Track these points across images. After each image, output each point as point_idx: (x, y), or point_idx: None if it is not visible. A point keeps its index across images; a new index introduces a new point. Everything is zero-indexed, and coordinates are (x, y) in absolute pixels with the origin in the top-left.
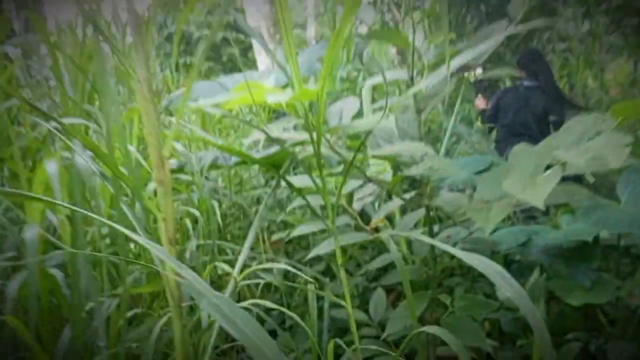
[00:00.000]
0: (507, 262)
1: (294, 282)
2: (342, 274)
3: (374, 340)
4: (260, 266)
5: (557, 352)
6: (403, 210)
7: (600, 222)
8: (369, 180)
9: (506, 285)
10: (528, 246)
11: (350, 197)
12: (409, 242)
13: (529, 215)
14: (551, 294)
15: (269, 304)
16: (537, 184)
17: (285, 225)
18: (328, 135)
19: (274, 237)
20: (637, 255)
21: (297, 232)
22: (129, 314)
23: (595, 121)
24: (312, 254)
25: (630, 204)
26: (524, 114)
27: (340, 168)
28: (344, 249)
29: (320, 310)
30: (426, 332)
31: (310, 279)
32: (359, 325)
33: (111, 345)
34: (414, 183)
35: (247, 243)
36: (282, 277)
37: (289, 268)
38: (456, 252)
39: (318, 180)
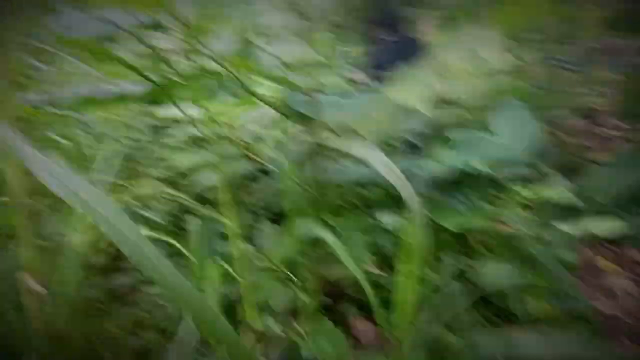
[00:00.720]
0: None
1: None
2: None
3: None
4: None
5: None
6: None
7: (475, 152)
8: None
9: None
10: (411, 180)
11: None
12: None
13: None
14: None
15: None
16: None
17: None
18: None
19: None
20: (507, 186)
21: (180, 161)
22: None
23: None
24: (198, 183)
25: (503, 136)
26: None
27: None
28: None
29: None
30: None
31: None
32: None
33: None
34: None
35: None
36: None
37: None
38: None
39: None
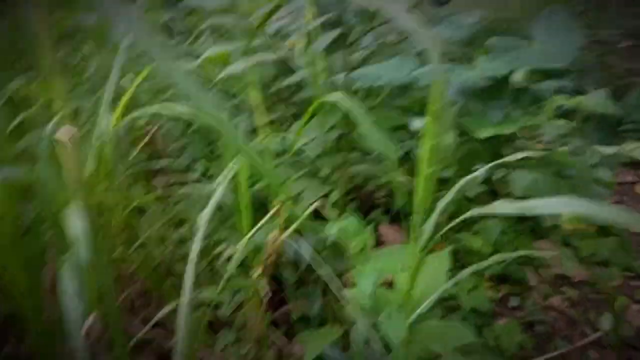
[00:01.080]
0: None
1: None
2: (257, 98)
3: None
4: None
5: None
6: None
7: (515, 59)
8: None
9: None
10: (445, 87)
11: (267, 17)
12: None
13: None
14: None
15: None
16: None
17: None
18: None
19: None
20: (545, 97)
21: (208, 52)
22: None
23: None
24: (227, 71)
25: (544, 43)
26: None
27: None
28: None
29: None
30: None
31: None
32: None
33: None
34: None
35: None
36: None
37: None
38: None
39: None
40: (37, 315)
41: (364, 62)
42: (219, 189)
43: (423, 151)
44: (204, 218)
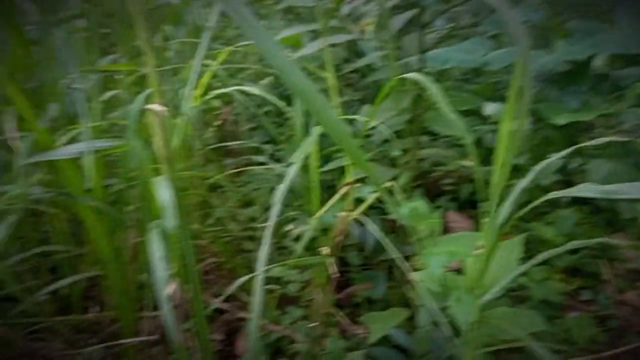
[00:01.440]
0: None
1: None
2: (330, 68)
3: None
4: None
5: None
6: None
7: (596, 44)
8: None
9: None
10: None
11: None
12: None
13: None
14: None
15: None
16: None
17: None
18: None
19: None
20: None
21: (283, 34)
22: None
23: None
24: (301, 53)
25: (627, 26)
26: None
27: None
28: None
29: None
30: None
31: None
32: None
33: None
34: None
35: None
36: None
37: None
38: None
39: None
40: (120, 280)
41: (437, 45)
42: (293, 167)
43: (501, 136)
44: (278, 195)
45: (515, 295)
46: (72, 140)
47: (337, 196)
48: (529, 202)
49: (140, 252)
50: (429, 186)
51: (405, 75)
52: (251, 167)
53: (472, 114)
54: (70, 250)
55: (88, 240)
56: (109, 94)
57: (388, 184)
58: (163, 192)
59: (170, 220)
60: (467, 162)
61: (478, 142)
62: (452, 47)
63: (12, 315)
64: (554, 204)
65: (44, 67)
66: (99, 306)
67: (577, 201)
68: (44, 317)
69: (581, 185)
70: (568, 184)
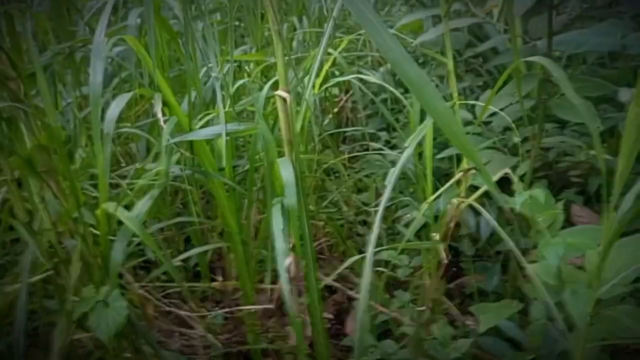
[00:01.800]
0: None
1: None
2: (449, 54)
3: None
4: None
5: None
6: None
7: None
8: None
9: None
10: None
11: None
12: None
13: None
14: None
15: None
16: None
17: None
18: None
19: None
20: None
21: (404, 20)
22: None
23: None
24: (421, 39)
25: None
26: None
27: None
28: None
29: None
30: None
31: None
32: None
33: None
34: None
35: None
36: None
37: None
38: None
39: None
40: (243, 253)
41: (568, 28)
42: (406, 152)
43: (628, 121)
44: (390, 179)
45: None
46: (207, 124)
47: (450, 182)
48: None
49: (262, 229)
50: (553, 178)
51: (527, 59)
52: (367, 153)
53: (607, 101)
54: (202, 222)
55: (217, 216)
56: (240, 82)
57: (506, 173)
58: (285, 171)
59: (291, 197)
60: (596, 152)
61: (611, 132)
62: (586, 30)
63: (149, 280)
64: None
65: (185, 57)
66: (223, 277)
67: None
68: (176, 284)
69: None
70: None
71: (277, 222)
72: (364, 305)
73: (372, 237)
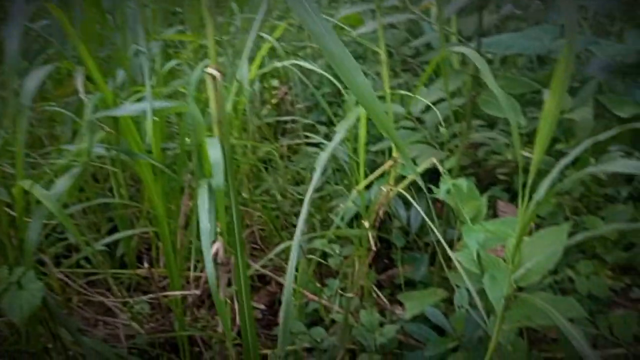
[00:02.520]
0: None
1: None
2: (383, 56)
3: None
4: None
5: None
6: None
7: None
8: None
9: None
10: (588, 62)
11: None
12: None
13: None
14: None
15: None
16: None
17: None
18: None
19: None
20: None
21: (343, 12)
22: None
23: None
24: (358, 31)
25: None
26: None
27: None
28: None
29: None
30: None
31: None
32: None
33: None
34: None
35: None
36: None
37: None
38: None
39: None
40: (171, 238)
41: (499, 29)
42: (337, 136)
43: (543, 114)
44: (319, 163)
45: (561, 288)
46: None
47: (379, 170)
48: (586, 196)
49: (192, 216)
50: (482, 175)
51: (452, 49)
52: (304, 142)
53: (535, 104)
54: (127, 205)
55: (144, 199)
56: (172, 62)
57: (434, 165)
58: (213, 150)
59: (218, 176)
60: (524, 152)
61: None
62: (517, 34)
63: (69, 265)
64: (611, 199)
65: (114, 34)
66: (150, 265)
67: (635, 198)
68: (99, 270)
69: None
70: (630, 180)
71: (202, 202)
72: (289, 289)
73: (300, 219)
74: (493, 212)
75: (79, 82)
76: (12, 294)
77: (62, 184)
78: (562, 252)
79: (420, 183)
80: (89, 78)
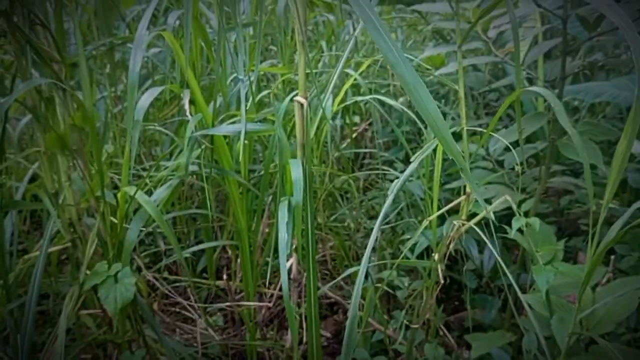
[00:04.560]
0: None
1: None
2: (462, 93)
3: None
4: None
5: None
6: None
7: None
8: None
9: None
10: None
11: (488, 24)
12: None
13: None
14: None
15: None
16: None
17: None
18: None
19: None
20: None
21: (426, 53)
22: None
23: None
24: (441, 71)
25: None
26: None
27: None
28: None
29: None
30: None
31: None
32: None
33: None
34: None
35: None
36: None
37: None
38: None
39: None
40: (250, 253)
41: (589, 78)
42: (410, 167)
43: (616, 154)
44: (391, 192)
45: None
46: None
47: (451, 204)
48: None
49: (270, 237)
50: (563, 224)
51: (527, 88)
52: (380, 172)
53: None
54: (214, 218)
55: (229, 215)
56: (263, 92)
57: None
58: (295, 170)
59: (298, 194)
60: (612, 204)
61: (624, 185)
62: (607, 82)
63: (159, 269)
64: None
65: (217, 63)
66: (228, 276)
67: None
68: (183, 277)
69: None
70: None
71: (282, 216)
72: (354, 311)
73: (370, 243)
74: (574, 263)
75: (186, 101)
76: (109, 286)
77: (161, 192)
78: None
79: (492, 220)
80: (191, 102)
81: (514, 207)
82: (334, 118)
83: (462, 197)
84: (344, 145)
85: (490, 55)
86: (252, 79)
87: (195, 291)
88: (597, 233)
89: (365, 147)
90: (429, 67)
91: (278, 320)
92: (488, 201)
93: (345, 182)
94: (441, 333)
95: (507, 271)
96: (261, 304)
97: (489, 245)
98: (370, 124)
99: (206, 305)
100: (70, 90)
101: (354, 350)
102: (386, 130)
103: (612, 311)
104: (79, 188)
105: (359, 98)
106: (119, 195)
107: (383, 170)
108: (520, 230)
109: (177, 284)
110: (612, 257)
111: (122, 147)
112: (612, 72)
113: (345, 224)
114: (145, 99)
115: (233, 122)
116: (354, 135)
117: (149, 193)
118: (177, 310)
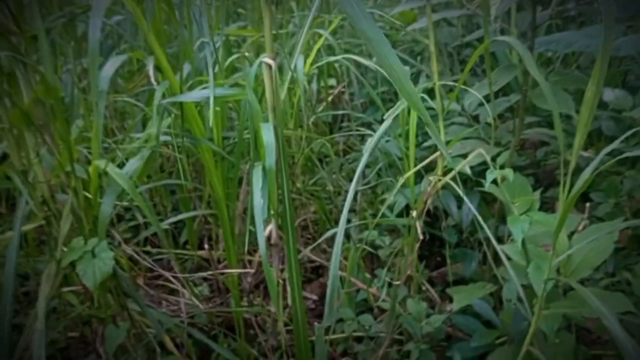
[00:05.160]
0: None
1: None
2: (432, 47)
3: None
4: None
5: None
6: None
7: None
8: None
9: None
10: None
11: None
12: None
13: None
14: None
15: None
16: None
17: None
18: None
19: None
20: None
21: (398, 9)
22: None
23: None
24: (412, 27)
25: None
26: None
27: None
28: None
29: None
30: None
31: None
32: None
33: None
34: None
35: None
36: None
37: None
38: None
39: None
40: (230, 221)
41: (562, 29)
42: (384, 125)
43: (585, 101)
44: (366, 150)
45: (617, 290)
46: None
47: (427, 160)
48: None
49: (250, 204)
50: (540, 176)
51: (496, 38)
52: (360, 144)
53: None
54: (192, 188)
55: (206, 184)
56: (233, 57)
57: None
58: (267, 134)
59: (271, 158)
60: (586, 153)
61: (599, 134)
62: (578, 32)
63: (138, 243)
64: None
65: (181, 26)
66: (210, 247)
67: None
68: (163, 249)
69: None
70: None
71: (256, 181)
72: (335, 271)
73: (347, 201)
74: (552, 213)
75: (151, 68)
76: (87, 262)
77: (133, 164)
78: (621, 255)
79: (469, 175)
80: (158, 69)
81: (488, 160)
82: (309, 82)
83: (437, 154)
84: (320, 108)
85: (463, 9)
86: (218, 42)
87: (179, 263)
88: (568, 180)
89: (343, 109)
90: (402, 24)
91: (263, 286)
92: (464, 156)
93: (323, 145)
94: (424, 288)
95: (483, 224)
96: (243, 270)
97: (465, 199)
98: (346, 86)
99: (189, 275)
100: (32, 62)
101: (338, 309)
102: (363, 91)
103: (588, 257)
104: (49, 164)
105: (332, 58)
106: (90, 169)
107: (361, 132)
108: (496, 183)
109: (160, 257)
110: (588, 204)
111: (92, 122)
112: (584, 24)
113: (326, 187)
114: (108, 68)
115: (204, 89)
116: (330, 98)
117: (122, 166)
118: (162, 283)
